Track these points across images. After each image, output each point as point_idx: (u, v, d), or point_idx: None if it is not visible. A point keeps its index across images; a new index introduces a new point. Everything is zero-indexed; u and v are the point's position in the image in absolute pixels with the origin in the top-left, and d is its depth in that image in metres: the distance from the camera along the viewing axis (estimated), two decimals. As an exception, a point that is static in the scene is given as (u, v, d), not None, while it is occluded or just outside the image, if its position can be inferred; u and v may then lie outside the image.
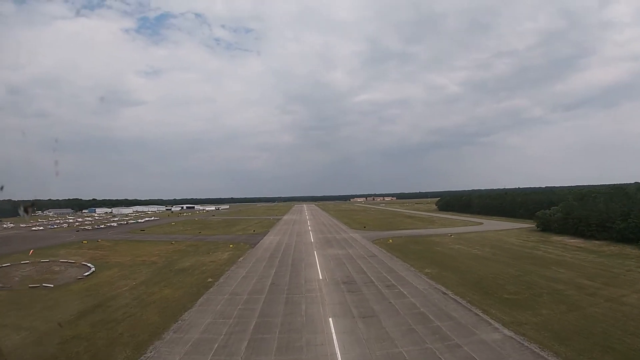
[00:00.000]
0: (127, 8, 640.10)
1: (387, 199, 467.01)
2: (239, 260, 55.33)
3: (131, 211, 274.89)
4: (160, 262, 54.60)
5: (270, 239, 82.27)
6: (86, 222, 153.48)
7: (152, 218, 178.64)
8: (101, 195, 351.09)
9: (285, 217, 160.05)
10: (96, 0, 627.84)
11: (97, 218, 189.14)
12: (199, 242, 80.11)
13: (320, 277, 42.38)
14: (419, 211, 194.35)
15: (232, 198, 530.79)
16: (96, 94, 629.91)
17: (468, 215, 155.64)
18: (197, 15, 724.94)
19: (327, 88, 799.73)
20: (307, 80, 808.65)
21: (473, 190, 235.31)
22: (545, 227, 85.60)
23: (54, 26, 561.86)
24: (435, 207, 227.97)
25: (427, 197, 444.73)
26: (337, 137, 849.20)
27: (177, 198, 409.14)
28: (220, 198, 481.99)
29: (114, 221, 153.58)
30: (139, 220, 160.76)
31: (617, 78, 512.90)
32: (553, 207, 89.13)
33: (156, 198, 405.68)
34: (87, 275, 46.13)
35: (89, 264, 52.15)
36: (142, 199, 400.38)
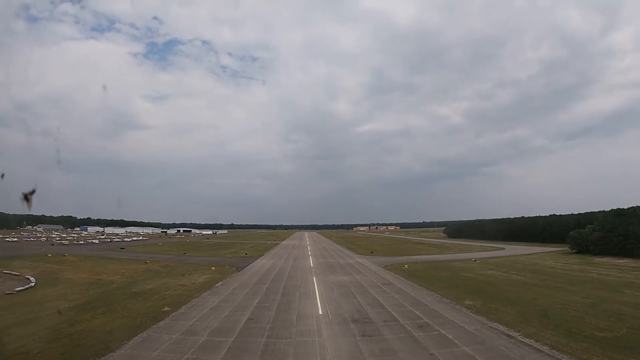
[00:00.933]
0: (136, 33, 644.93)
1: (390, 227, 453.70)
2: (216, 285, 43.53)
3: (123, 231, 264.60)
4: (119, 283, 44.86)
5: (262, 263, 70.22)
6: (68, 238, 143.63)
7: (141, 238, 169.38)
8: (102, 216, 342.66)
9: (284, 242, 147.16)
10: (106, 23, 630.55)
11: (83, 235, 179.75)
12: (177, 262, 69.88)
13: (321, 312, 29.78)
14: (428, 238, 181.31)
15: (232, 224, 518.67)
16: (103, 116, 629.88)
17: (483, 241, 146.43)
18: (205, 42, 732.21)
19: (330, 118, 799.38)
20: (311, 110, 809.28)
21: (476, 220, 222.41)
22: (582, 248, 79.19)
23: (63, 46, 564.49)
24: (443, 234, 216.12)
25: (432, 227, 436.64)
26: (340, 167, 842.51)
27: (176, 222, 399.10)
28: (220, 224, 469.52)
29: (97, 238, 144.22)
30: (125, 239, 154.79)
31: (618, 106, 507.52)
32: (589, 226, 77.71)
33: (156, 221, 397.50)
34: (20, 290, 38.98)
35: (31, 278, 44.99)
36: (144, 221, 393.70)
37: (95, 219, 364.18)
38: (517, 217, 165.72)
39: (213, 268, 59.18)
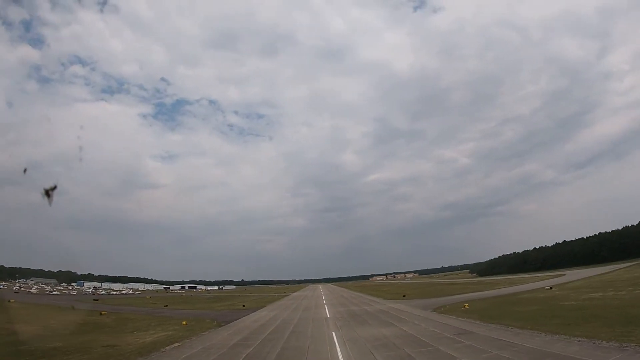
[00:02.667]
0: (144, 94, 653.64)
1: (409, 275, 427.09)
2: (166, 349, 26.35)
3: (122, 287, 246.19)
4: (28, 334, 32.76)
5: (259, 315, 51.63)
6: (48, 289, 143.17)
7: (131, 292, 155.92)
8: (106, 272, 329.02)
9: (294, 294, 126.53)
10: (115, 85, 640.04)
11: (70, 289, 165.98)
12: (145, 315, 54.27)
13: None
14: (457, 279, 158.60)
15: (242, 280, 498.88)
16: (113, 176, 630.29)
17: (529, 273, 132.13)
18: (212, 102, 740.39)
19: (338, 169, 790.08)
20: (318, 163, 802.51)
21: (493, 260, 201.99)
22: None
23: (74, 107, 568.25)
24: (471, 274, 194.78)
25: (452, 270, 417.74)
26: (350, 219, 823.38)
27: (185, 280, 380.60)
28: (230, 280, 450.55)
29: (77, 289, 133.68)
30: (113, 293, 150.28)
31: (624, 127, 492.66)
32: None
33: (166, 279, 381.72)
34: None
35: None
36: (154, 278, 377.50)
37: (97, 275, 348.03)
38: (566, 241, 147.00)
39: (184, 322, 41.30)
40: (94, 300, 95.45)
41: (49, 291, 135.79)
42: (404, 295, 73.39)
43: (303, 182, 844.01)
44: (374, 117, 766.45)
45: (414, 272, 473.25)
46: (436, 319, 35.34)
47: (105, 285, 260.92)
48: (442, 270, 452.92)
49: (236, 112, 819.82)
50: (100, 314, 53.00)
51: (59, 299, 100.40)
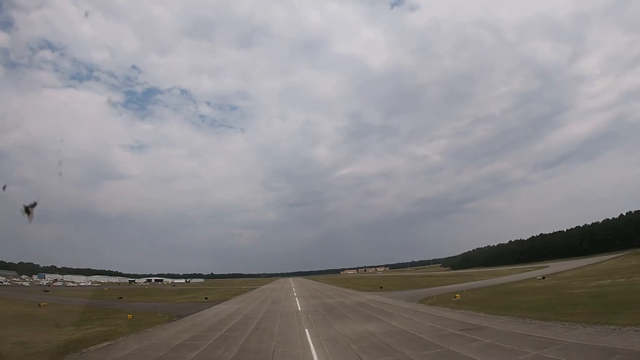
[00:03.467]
0: (114, 82, 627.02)
1: (380, 269, 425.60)
2: (89, 349, 20.47)
3: (85, 280, 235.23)
4: None
5: (221, 308, 45.42)
6: None
7: (90, 284, 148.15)
8: (70, 265, 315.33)
9: (263, 287, 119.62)
10: (85, 72, 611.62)
11: (24, 281, 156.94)
12: (90, 307, 47.43)
13: None
14: (431, 272, 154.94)
15: (211, 274, 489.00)
16: (81, 166, 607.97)
17: (506, 266, 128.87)
18: (183, 91, 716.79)
19: (310, 163, 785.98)
20: (291, 156, 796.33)
21: (467, 253, 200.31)
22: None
23: (42, 94, 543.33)
24: (444, 269, 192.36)
25: (423, 265, 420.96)
26: (322, 212, 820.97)
27: (153, 273, 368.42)
28: (199, 273, 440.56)
29: (31, 282, 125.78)
30: (70, 285, 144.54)
31: (593, 130, 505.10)
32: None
33: (133, 272, 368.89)
34: None
35: None
36: (120, 271, 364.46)
37: (60, 267, 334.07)
38: (543, 234, 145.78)
39: (130, 316, 34.74)
40: (44, 291, 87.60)
41: (1, 282, 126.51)
42: (380, 287, 68.29)
43: (275, 175, 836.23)
44: (347, 112, 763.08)
45: (385, 266, 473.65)
46: (428, 311, 29.97)
47: (67, 277, 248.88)
48: (413, 264, 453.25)
49: (208, 103, 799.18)
50: (39, 305, 46.39)
51: (6, 290, 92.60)
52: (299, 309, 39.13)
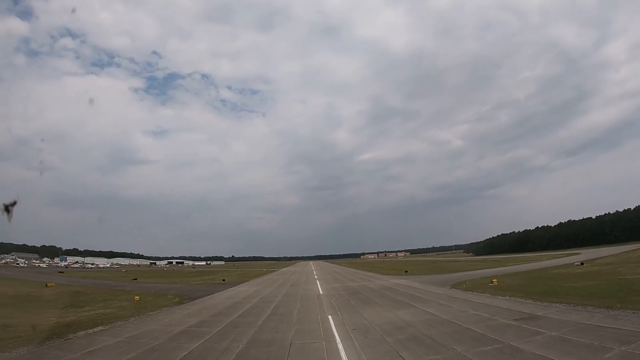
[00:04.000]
0: (135, 67, 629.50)
1: (400, 254, 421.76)
2: (77, 334, 17.51)
3: (106, 262, 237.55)
4: None
5: (236, 291, 42.48)
6: (16, 263, 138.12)
7: (109, 266, 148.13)
8: (93, 247, 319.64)
9: (283, 269, 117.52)
10: (106, 58, 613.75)
11: (48, 263, 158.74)
12: (99, 288, 45.40)
13: None
14: (455, 257, 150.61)
15: (232, 257, 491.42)
16: (103, 151, 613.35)
17: (533, 252, 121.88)
18: (204, 76, 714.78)
19: (331, 147, 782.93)
20: (312, 140, 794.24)
21: (491, 239, 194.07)
22: None
23: (63, 82, 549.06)
24: (466, 254, 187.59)
25: (443, 251, 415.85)
26: (342, 197, 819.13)
27: (175, 255, 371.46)
28: (221, 256, 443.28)
29: (48, 263, 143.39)
30: (89, 266, 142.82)
31: (618, 117, 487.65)
32: None
33: (156, 255, 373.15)
34: None
35: None
36: (143, 254, 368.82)
37: (82, 249, 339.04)
38: (572, 221, 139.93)
39: (137, 298, 32.16)
40: (60, 272, 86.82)
41: (17, 264, 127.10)
42: (405, 271, 64.80)
43: (296, 159, 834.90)
44: (368, 96, 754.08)
45: (405, 251, 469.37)
46: (466, 297, 26.48)
47: (88, 259, 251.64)
48: (433, 250, 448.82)
49: (229, 87, 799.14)
50: (46, 285, 44.65)
51: (21, 271, 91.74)
52: (321, 292, 35.99)
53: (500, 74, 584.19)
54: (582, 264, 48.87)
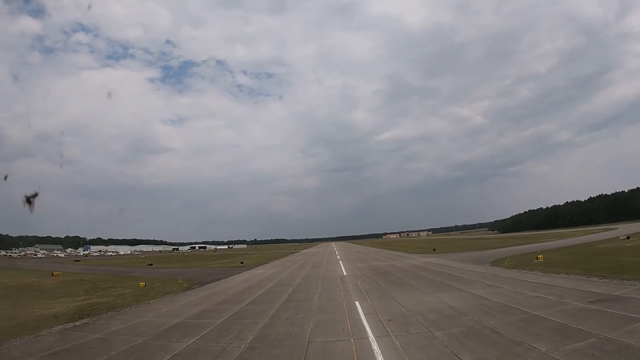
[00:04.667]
0: (150, 58, 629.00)
1: (422, 233, 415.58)
2: (42, 333, 13.92)
3: (128, 249, 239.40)
4: None
5: (253, 274, 39.29)
6: (36, 254, 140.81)
7: (129, 253, 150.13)
8: (116, 236, 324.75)
9: (304, 251, 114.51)
10: (121, 50, 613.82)
11: (68, 253, 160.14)
12: (107, 275, 43.61)
13: None
14: (482, 235, 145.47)
15: (254, 240, 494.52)
16: (124, 142, 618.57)
17: (564, 228, 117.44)
18: (219, 62, 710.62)
19: (349, 128, 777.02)
20: (330, 122, 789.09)
21: (518, 216, 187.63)
22: None
23: (80, 76, 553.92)
24: (491, 232, 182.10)
25: (466, 229, 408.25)
26: (362, 178, 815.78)
27: (198, 241, 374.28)
28: (243, 240, 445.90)
29: (68, 253, 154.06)
30: (109, 254, 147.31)
31: None
32: None
33: (179, 241, 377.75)
34: None
35: None
36: (169, 241, 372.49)
37: (106, 239, 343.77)
38: (604, 195, 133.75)
39: (142, 284, 29.35)
40: (75, 261, 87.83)
41: (35, 255, 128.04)
42: (434, 249, 60.67)
43: (314, 141, 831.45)
44: (385, 74, 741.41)
45: (428, 230, 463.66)
46: (514, 276, 22.70)
47: (111, 248, 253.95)
48: (456, 228, 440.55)
49: (245, 72, 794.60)
50: (52, 274, 42.82)
51: (38, 261, 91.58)
52: (344, 273, 32.42)
53: (520, 48, 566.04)
54: (628, 237, 44.34)
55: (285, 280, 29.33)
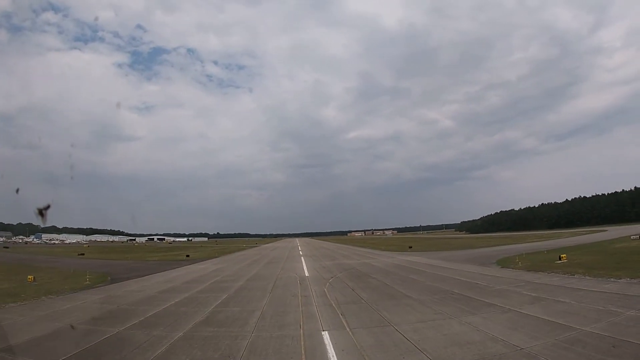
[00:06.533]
0: (120, 42, 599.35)
1: (387, 232, 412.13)
2: None
3: (79, 238, 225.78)
4: None
5: (191, 269, 31.59)
6: None
7: (76, 242, 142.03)
8: (73, 225, 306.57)
9: (265, 245, 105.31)
10: (90, 33, 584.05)
11: (14, 240, 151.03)
12: (8, 266, 35.37)
13: None
14: (452, 235, 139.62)
15: (217, 233, 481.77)
16: (88, 128, 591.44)
17: (542, 230, 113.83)
18: (190, 50, 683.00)
19: (319, 124, 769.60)
20: (299, 117, 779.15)
21: (489, 217, 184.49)
22: None
23: (47, 57, 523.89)
24: (459, 232, 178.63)
25: (431, 229, 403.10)
26: (330, 175, 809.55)
27: (159, 232, 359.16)
28: (206, 233, 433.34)
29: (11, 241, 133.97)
30: (53, 242, 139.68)
31: (609, 104, 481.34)
32: None
33: (140, 232, 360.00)
34: None
35: None
36: (128, 232, 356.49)
37: (61, 227, 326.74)
38: (584, 197, 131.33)
39: (30, 278, 22.41)
40: (4, 247, 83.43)
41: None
42: (410, 247, 53.45)
43: (283, 136, 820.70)
44: (358, 72, 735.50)
45: (393, 229, 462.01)
46: (555, 282, 15.78)
47: (63, 236, 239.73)
48: (421, 228, 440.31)
49: (215, 62, 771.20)
50: None
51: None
52: (306, 274, 24.54)
53: (493, 54, 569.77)
54: (639, 237, 38.30)
55: (224, 282, 21.18)
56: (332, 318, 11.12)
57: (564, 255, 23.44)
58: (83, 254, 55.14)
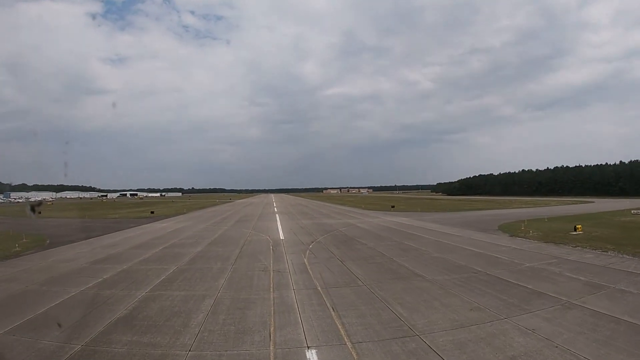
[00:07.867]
0: None
1: (363, 190, 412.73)
2: None
3: (49, 196, 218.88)
4: None
5: (147, 230, 26.57)
6: None
7: (40, 200, 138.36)
8: (45, 182, 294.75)
9: (238, 201, 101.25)
10: None
11: None
12: None
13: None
14: (428, 196, 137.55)
15: (192, 189, 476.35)
16: (59, 81, 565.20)
17: (525, 197, 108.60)
18: None
19: (298, 80, 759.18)
20: (279, 72, 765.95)
21: (466, 179, 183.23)
22: None
23: (16, 8, 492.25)
24: (436, 194, 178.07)
25: (405, 189, 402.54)
26: (307, 131, 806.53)
27: (133, 188, 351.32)
28: (180, 188, 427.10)
29: None
30: (18, 200, 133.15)
31: (589, 79, 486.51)
32: None
33: (114, 188, 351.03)
34: None
35: None
36: (100, 188, 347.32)
37: (31, 185, 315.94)
38: (568, 167, 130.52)
39: None
40: None
41: None
42: (392, 206, 50.57)
43: (261, 90, 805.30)
44: (341, 28, 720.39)
45: (368, 188, 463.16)
46: (596, 261, 12.69)
47: (31, 194, 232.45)
48: (396, 188, 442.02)
49: (192, 12, 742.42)
50: None
51: None
52: (281, 236, 20.90)
53: (478, 19, 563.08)
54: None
55: (179, 247, 17.40)
56: (320, 317, 7.56)
57: (579, 226, 20.73)
58: (40, 212, 50.65)
